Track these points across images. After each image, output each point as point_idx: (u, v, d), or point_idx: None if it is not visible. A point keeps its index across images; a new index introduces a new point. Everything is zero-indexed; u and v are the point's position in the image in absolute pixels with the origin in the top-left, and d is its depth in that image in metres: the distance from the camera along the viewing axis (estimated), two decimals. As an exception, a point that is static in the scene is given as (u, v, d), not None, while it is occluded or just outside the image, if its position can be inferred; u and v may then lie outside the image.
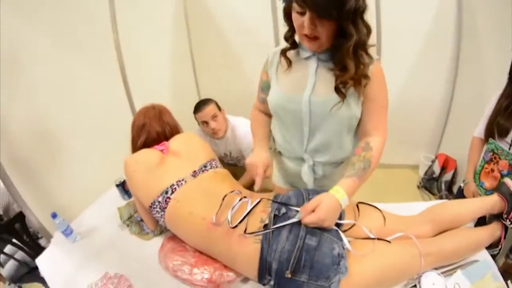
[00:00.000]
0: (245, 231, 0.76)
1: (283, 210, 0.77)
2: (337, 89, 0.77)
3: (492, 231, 0.92)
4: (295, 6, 0.71)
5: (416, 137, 2.46)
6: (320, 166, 0.93)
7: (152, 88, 2.11)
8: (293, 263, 0.68)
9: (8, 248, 1.67)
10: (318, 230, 0.71)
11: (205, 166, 0.96)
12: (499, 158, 1.23)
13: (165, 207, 0.88)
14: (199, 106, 1.54)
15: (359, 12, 0.69)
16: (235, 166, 1.80)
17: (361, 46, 0.73)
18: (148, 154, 0.97)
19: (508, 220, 0.94)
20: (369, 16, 0.74)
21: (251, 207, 0.80)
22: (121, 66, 1.75)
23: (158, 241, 1.03)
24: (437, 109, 2.32)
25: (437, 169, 2.27)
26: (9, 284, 1.66)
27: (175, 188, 0.89)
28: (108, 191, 1.41)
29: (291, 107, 0.84)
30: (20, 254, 1.65)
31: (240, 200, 0.84)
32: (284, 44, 0.86)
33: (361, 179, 0.77)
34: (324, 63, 0.81)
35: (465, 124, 1.82)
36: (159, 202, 0.89)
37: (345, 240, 0.74)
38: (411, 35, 2.11)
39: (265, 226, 0.75)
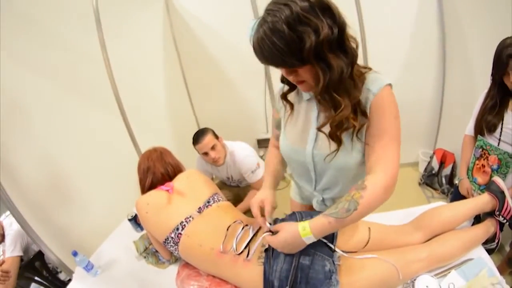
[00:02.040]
0: (247, 256, 0.85)
1: None
2: (331, 136, 0.71)
3: (487, 227, 0.96)
4: None
5: (413, 135, 2.50)
6: (330, 200, 0.93)
7: (151, 121, 2.20)
8: (291, 280, 0.76)
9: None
10: (311, 249, 0.78)
11: (208, 202, 1.06)
12: (488, 153, 1.29)
13: (178, 242, 0.97)
14: (197, 138, 1.60)
15: (324, 45, 0.59)
16: (238, 187, 1.88)
17: (341, 81, 0.64)
18: (157, 196, 1.06)
19: (501, 216, 0.98)
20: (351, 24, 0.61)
21: (252, 235, 0.89)
22: (118, 101, 1.79)
23: (173, 269, 1.10)
24: (430, 106, 2.37)
25: (436, 164, 2.31)
26: None
27: (184, 225, 0.98)
28: (121, 225, 1.47)
29: (296, 158, 0.85)
30: (41, 290, 1.72)
31: (242, 229, 0.92)
32: None
33: (340, 222, 0.67)
34: None
35: (459, 118, 1.87)
36: (172, 237, 0.98)
37: (335, 257, 0.81)
38: (396, 37, 2.18)
39: (266, 250, 0.83)
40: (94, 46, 1.63)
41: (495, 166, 1.27)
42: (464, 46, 1.95)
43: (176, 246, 0.98)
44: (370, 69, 0.73)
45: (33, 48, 1.37)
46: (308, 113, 0.80)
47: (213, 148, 1.59)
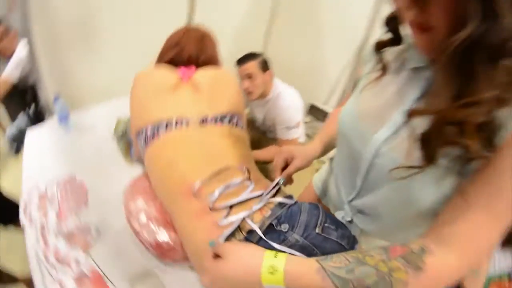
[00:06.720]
0: (222, 221, 0.55)
1: (284, 227, 0.53)
2: (423, 142, 0.40)
3: None
4: None
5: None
6: (357, 231, 0.60)
7: None
8: None
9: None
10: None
11: (221, 118, 0.73)
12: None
13: (148, 143, 0.69)
14: (241, 60, 1.35)
15: None
16: (263, 134, 1.58)
17: (501, 51, 0.33)
18: (164, 74, 0.78)
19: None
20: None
21: (246, 197, 0.58)
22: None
23: (138, 171, 0.92)
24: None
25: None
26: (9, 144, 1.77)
27: (169, 127, 0.68)
28: (121, 100, 1.27)
29: (352, 140, 0.53)
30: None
31: (241, 181, 0.61)
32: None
33: None
34: None
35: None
36: (146, 134, 0.70)
37: None
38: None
39: (250, 232, 0.53)
40: None
41: None
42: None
43: (144, 147, 0.71)
44: None
45: None
46: (406, 88, 0.47)
47: (249, 76, 1.32)
